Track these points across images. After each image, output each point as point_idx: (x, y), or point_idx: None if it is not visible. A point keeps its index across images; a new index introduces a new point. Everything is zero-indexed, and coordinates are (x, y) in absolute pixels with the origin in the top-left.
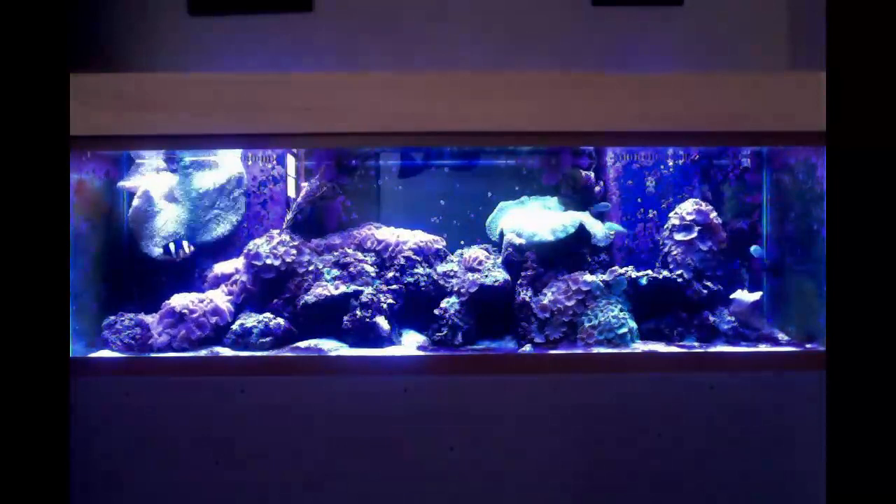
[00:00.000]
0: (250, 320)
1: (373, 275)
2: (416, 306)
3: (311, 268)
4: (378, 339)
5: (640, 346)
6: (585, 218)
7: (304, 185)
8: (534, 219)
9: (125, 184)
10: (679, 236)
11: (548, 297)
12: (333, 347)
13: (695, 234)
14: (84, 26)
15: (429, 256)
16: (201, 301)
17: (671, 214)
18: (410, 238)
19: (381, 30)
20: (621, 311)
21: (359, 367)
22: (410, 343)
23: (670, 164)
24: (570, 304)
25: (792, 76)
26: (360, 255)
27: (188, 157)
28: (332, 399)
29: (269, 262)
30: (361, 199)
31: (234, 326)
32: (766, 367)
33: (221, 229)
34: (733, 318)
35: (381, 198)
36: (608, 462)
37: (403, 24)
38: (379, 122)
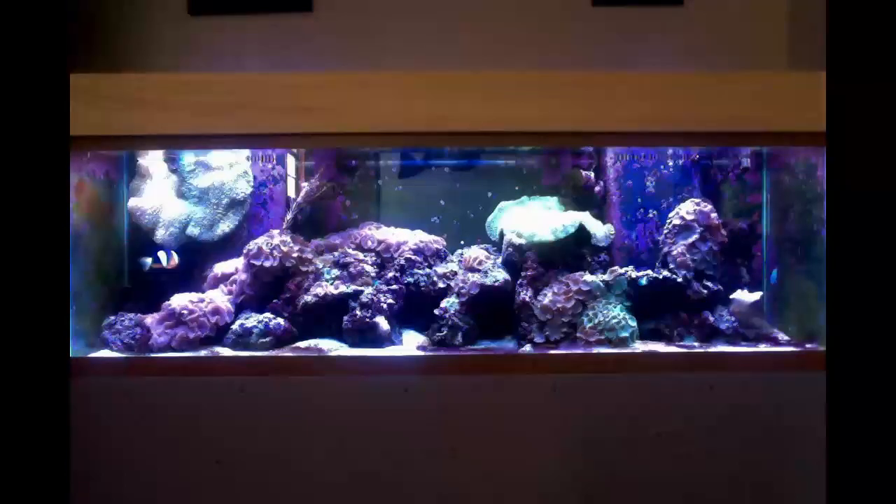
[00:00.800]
0: (250, 320)
1: (373, 275)
2: (416, 306)
3: (311, 268)
4: (378, 340)
5: (640, 346)
6: (585, 218)
7: (304, 184)
8: (534, 219)
9: (137, 204)
10: (679, 236)
11: (548, 297)
12: (333, 347)
13: (696, 235)
14: (84, 26)
15: (429, 256)
16: (201, 301)
17: (671, 214)
18: (410, 238)
19: (382, 30)
20: (622, 310)
21: (359, 367)
22: (410, 343)
23: (670, 163)
24: (569, 304)
25: (792, 76)
26: (360, 255)
27: (192, 157)
28: (333, 399)
29: (268, 262)
30: (361, 199)
31: (234, 326)
32: (766, 367)
33: (224, 227)
34: (733, 318)
35: (381, 198)
36: (608, 462)
37: (403, 24)
38: (380, 122)
